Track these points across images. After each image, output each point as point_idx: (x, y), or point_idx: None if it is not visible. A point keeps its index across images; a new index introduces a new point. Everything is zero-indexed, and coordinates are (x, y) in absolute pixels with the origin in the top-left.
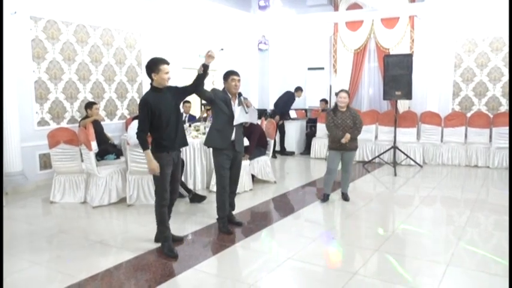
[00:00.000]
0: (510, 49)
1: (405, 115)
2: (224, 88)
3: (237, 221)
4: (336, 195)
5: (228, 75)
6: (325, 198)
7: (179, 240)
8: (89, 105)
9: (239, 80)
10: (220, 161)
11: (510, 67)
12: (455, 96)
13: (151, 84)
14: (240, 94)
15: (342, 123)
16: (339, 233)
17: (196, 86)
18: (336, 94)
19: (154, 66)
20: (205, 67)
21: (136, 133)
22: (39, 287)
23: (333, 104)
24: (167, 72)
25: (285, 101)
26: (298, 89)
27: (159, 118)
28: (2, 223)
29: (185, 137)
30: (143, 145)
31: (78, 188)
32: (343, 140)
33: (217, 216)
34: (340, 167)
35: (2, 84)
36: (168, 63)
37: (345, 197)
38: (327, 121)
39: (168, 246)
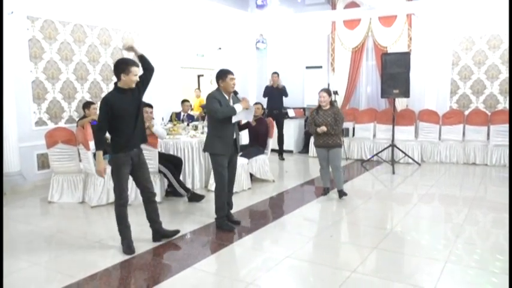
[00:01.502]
0: (510, 48)
1: (403, 113)
2: (218, 88)
3: (235, 219)
4: (335, 194)
5: (226, 74)
6: (325, 191)
7: (176, 233)
8: (87, 105)
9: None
10: (219, 160)
11: (510, 66)
12: (453, 94)
13: (115, 84)
14: (236, 92)
15: (323, 121)
16: (337, 231)
17: (146, 70)
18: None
19: (125, 66)
20: (140, 57)
21: (95, 131)
22: (38, 286)
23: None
24: (136, 75)
25: (266, 97)
26: (272, 74)
27: (119, 119)
28: (2, 223)
29: (144, 133)
30: (98, 144)
31: (76, 187)
32: (319, 130)
33: (216, 216)
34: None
35: (1, 84)
36: (138, 66)
37: (341, 194)
38: (308, 120)
39: (126, 244)
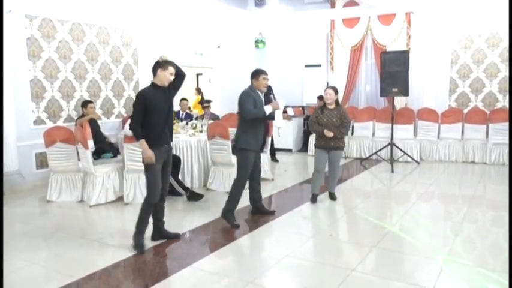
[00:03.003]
0: (510, 47)
1: (402, 112)
2: (251, 86)
3: (270, 210)
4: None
5: (260, 74)
6: (313, 198)
7: (176, 237)
8: (85, 103)
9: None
10: (250, 156)
11: (510, 65)
12: (452, 93)
13: (152, 81)
14: (269, 91)
15: (328, 121)
16: (336, 229)
17: (177, 75)
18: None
19: (164, 63)
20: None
21: (130, 124)
22: (37, 286)
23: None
24: (172, 74)
25: None
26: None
27: (153, 114)
28: (2, 223)
29: (172, 133)
30: (137, 135)
31: (75, 186)
32: (326, 133)
33: (226, 207)
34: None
35: (2, 83)
36: (174, 67)
37: (331, 197)
38: (311, 118)
39: (139, 240)
